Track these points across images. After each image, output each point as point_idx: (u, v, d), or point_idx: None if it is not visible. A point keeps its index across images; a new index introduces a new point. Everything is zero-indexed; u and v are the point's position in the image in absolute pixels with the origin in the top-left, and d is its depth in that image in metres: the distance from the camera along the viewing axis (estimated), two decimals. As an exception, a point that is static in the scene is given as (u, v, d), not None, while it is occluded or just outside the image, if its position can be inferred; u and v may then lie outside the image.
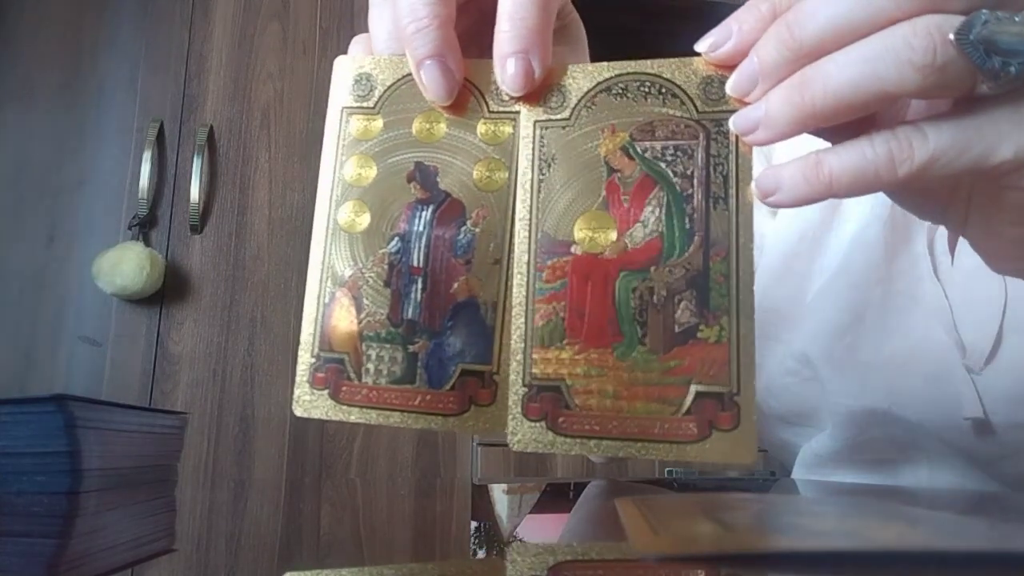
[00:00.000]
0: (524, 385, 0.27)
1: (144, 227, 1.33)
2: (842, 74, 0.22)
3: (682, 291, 0.25)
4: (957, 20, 0.21)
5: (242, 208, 1.39)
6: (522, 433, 0.26)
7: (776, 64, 0.23)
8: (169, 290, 1.32)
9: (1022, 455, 0.41)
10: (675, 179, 0.26)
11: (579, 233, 0.28)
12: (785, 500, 0.39)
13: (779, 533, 0.25)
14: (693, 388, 0.24)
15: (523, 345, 0.27)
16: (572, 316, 0.27)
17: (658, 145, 0.27)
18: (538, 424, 0.26)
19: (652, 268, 0.26)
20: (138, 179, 1.33)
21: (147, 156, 1.34)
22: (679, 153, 0.27)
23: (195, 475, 1.26)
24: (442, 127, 0.30)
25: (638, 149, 0.27)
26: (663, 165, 0.27)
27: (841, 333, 0.47)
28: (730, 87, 0.25)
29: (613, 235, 0.27)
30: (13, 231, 1.32)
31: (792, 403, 0.51)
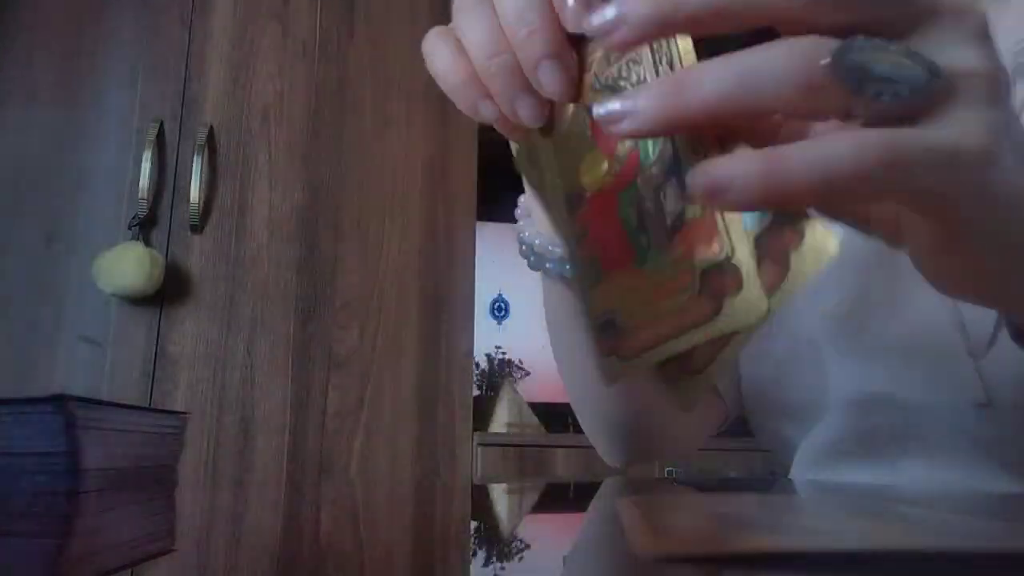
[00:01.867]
0: (594, 329, 0.28)
1: (144, 227, 1.33)
2: (716, 86, 0.21)
3: (663, 183, 0.26)
4: (835, 44, 0.21)
5: (242, 208, 1.39)
6: (603, 369, 0.27)
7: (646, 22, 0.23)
8: (169, 290, 1.32)
9: None
10: (633, 88, 0.27)
11: (585, 179, 0.29)
12: (787, 499, 0.39)
13: (781, 532, 0.25)
14: (697, 267, 0.24)
15: (584, 294, 0.29)
16: (602, 252, 0.28)
17: (614, 68, 0.28)
18: (610, 359, 0.27)
19: (638, 178, 0.27)
20: (138, 179, 1.33)
21: (147, 156, 1.34)
22: (630, 64, 0.27)
23: (195, 475, 1.26)
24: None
25: (601, 80, 0.28)
26: (622, 82, 0.27)
27: (846, 314, 0.47)
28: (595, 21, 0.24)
29: (605, 166, 0.28)
30: (13, 231, 1.32)
31: (799, 392, 0.50)
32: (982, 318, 0.41)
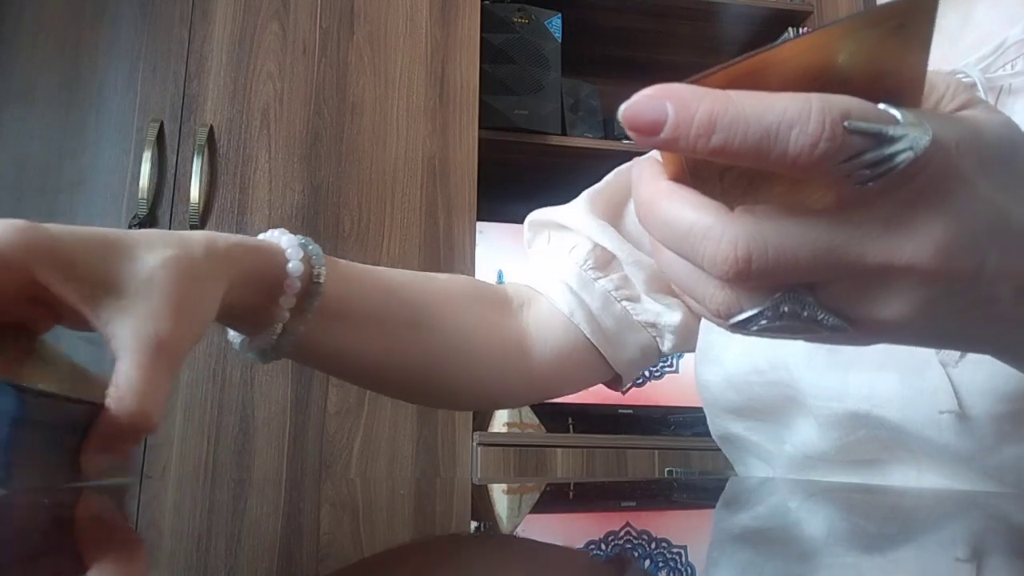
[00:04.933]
0: None
1: (144, 227, 1.33)
2: (738, 142, 0.22)
3: None
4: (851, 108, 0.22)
5: (242, 208, 1.39)
6: None
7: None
8: (169, 290, 1.32)
9: (1003, 448, 0.40)
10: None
11: None
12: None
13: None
14: None
15: None
16: None
17: None
18: None
19: None
20: (138, 179, 1.33)
21: (147, 156, 1.34)
22: None
23: (195, 475, 1.26)
24: None
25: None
26: None
27: None
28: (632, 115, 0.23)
29: None
30: (13, 231, 1.32)
31: (752, 399, 0.50)
32: None
